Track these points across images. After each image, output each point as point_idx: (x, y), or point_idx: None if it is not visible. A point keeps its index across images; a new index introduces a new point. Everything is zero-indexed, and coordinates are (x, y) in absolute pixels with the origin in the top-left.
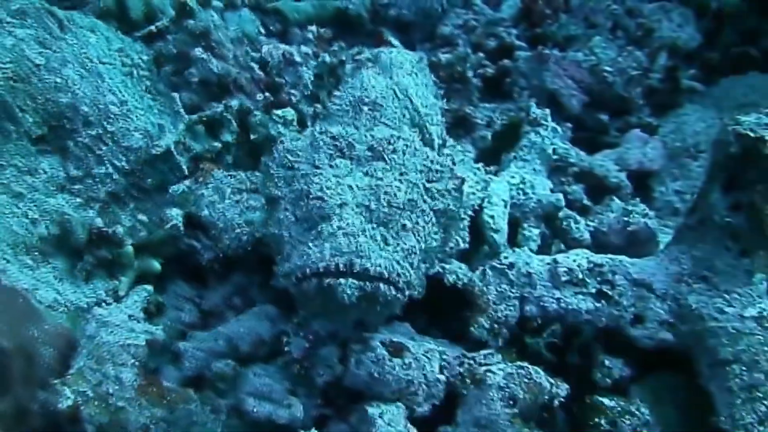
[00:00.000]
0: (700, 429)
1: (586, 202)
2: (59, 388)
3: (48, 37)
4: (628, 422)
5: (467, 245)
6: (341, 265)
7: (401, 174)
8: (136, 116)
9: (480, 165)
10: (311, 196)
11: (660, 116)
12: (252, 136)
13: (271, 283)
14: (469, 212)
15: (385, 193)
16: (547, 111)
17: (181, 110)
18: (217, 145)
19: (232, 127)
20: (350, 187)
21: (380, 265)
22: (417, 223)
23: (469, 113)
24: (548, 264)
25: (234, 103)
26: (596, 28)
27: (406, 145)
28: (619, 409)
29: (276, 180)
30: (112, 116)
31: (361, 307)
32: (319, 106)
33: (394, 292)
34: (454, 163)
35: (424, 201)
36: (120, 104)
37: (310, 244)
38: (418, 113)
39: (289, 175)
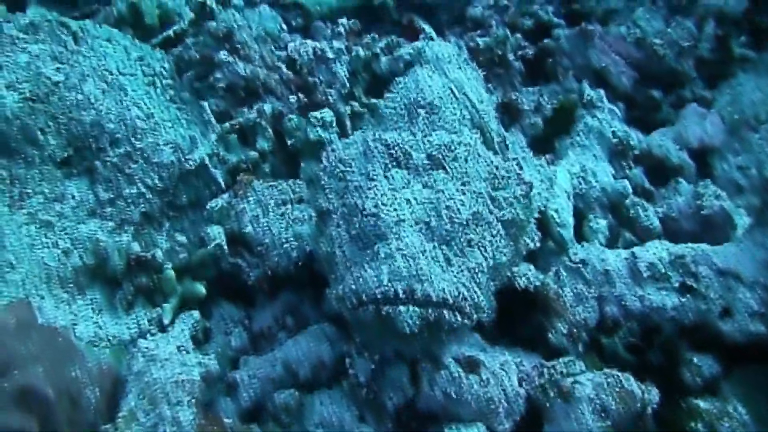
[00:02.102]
0: None
1: (647, 186)
2: None
3: (63, 51)
4: (727, 425)
5: (538, 244)
6: (400, 291)
7: (463, 184)
8: (165, 129)
9: (542, 161)
10: (365, 213)
11: (713, 88)
12: (289, 142)
13: (324, 307)
14: (536, 214)
15: (447, 207)
16: (602, 92)
17: (212, 119)
18: (253, 154)
19: (267, 133)
20: (408, 201)
21: (443, 290)
22: (483, 237)
23: (514, 99)
24: (626, 259)
25: (267, 107)
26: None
27: (468, 151)
28: (716, 411)
29: (327, 192)
30: (140, 131)
31: (424, 336)
32: (355, 104)
33: (459, 319)
34: (521, 168)
35: (490, 212)
36: (146, 118)
37: (366, 267)
38: (476, 111)
39: (340, 187)
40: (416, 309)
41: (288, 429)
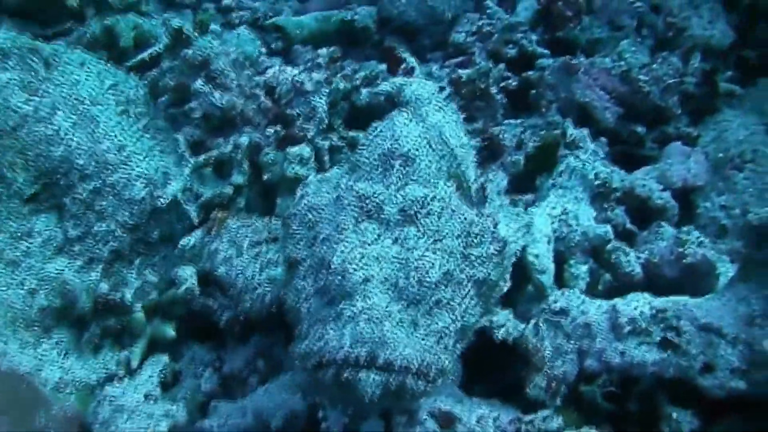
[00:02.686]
0: None
1: (629, 226)
2: None
3: (33, 81)
4: None
5: (509, 284)
6: (362, 357)
7: (435, 241)
8: (136, 162)
9: (520, 209)
10: (332, 269)
11: (698, 124)
12: (265, 177)
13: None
14: (511, 263)
15: (416, 268)
16: (585, 131)
17: (186, 153)
18: (228, 189)
19: (243, 167)
20: (377, 258)
21: (407, 357)
22: (453, 298)
23: (496, 135)
24: (607, 312)
25: (243, 140)
26: (622, 30)
27: (442, 207)
28: None
29: (296, 240)
30: (111, 166)
31: (385, 402)
32: (334, 138)
33: (422, 386)
34: (495, 225)
35: (461, 271)
36: (118, 150)
37: (329, 327)
38: (454, 158)
39: (310, 236)
40: (377, 376)
41: None
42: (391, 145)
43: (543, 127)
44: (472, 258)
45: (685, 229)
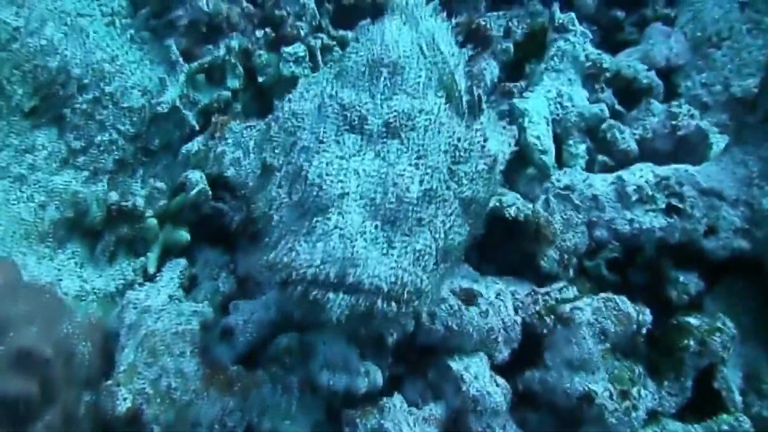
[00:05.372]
0: None
1: (618, 107)
2: (113, 390)
3: None
4: (718, 340)
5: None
6: (332, 275)
7: (419, 157)
8: (131, 71)
9: (505, 123)
10: (308, 182)
11: (675, 5)
12: (260, 79)
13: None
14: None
15: (395, 184)
16: (573, 14)
17: (180, 59)
18: (225, 93)
19: (238, 70)
20: (356, 172)
21: (378, 276)
22: (436, 216)
23: (483, 25)
24: (613, 183)
25: (234, 43)
26: None
27: (429, 120)
28: (706, 327)
29: (274, 145)
30: (107, 75)
31: (354, 324)
32: (324, 36)
33: (394, 309)
34: (485, 139)
35: (448, 188)
36: (111, 60)
37: (301, 240)
38: (447, 66)
39: (289, 143)
40: (346, 297)
41: (291, 371)
42: (380, 51)
43: (526, 16)
44: (460, 175)
45: (675, 102)
